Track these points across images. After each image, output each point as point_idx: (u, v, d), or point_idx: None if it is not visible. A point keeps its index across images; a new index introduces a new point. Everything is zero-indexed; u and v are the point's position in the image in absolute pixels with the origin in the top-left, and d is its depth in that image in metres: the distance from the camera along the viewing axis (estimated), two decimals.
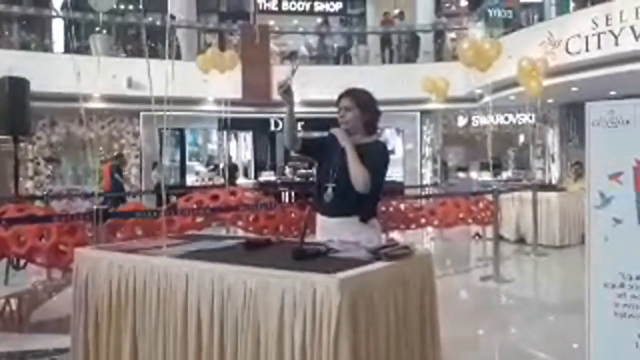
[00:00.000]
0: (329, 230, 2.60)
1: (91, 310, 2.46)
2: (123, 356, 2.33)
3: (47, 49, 12.82)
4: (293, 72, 2.58)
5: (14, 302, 5.31)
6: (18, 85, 6.84)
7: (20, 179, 9.97)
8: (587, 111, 2.10)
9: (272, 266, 1.98)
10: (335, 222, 2.61)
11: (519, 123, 13.72)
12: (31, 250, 4.24)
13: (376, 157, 2.60)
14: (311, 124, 10.54)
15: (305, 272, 1.89)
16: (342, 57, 14.64)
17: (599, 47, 8.54)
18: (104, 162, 11.96)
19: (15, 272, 5.31)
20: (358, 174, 2.51)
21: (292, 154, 3.06)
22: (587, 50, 8.75)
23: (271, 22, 14.57)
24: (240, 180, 13.76)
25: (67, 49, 12.54)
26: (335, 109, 2.73)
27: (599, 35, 8.50)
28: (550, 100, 11.95)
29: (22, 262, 4.88)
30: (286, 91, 2.56)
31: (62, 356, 3.27)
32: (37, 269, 5.18)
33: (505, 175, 13.58)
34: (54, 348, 3.55)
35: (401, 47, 14.40)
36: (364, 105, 2.67)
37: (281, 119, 13.75)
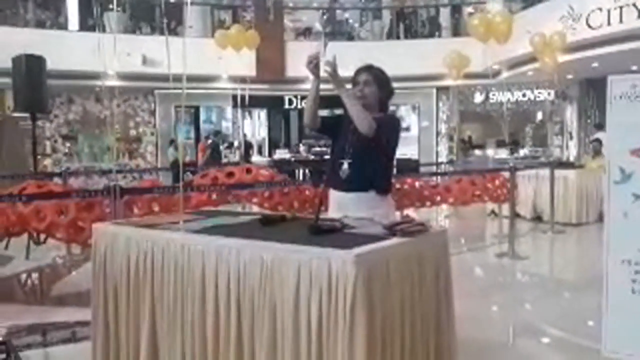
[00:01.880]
0: (345, 205, 2.60)
1: (110, 285, 2.50)
2: (142, 329, 2.37)
3: (62, 26, 12.85)
4: (324, 46, 2.56)
5: (35, 276, 5.44)
6: (35, 62, 6.87)
7: (39, 156, 10.11)
8: (609, 85, 2.05)
9: (288, 241, 1.99)
10: (352, 197, 2.61)
11: (537, 99, 13.50)
12: (51, 226, 4.33)
13: (389, 129, 2.59)
14: (324, 100, 10.48)
15: (321, 247, 1.89)
16: (357, 32, 14.47)
17: (621, 20, 8.32)
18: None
19: (36, 247, 5.41)
20: (360, 116, 2.49)
21: (308, 131, 3.07)
22: (608, 24, 8.53)
23: None
24: (255, 158, 13.82)
25: (82, 27, 12.59)
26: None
27: (621, 8, 8.27)
28: (569, 76, 11.73)
29: (42, 237, 4.97)
30: (316, 66, 2.54)
31: (82, 328, 3.35)
32: (57, 244, 5.28)
33: (522, 152, 13.44)
34: (75, 321, 3.64)
35: (417, 22, 14.17)
36: (381, 82, 2.70)
37: (295, 96, 13.71)
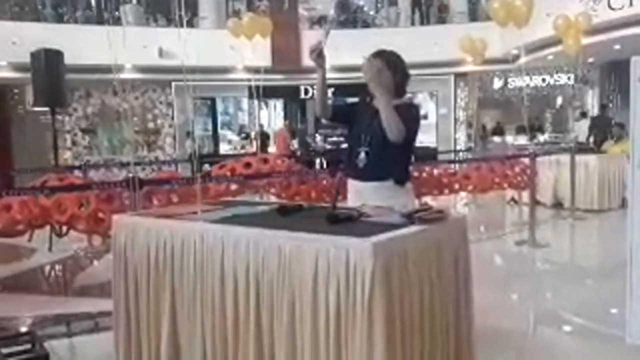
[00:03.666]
0: (363, 194, 2.58)
1: (131, 275, 2.53)
2: (162, 318, 2.40)
3: (79, 21, 12.96)
4: (326, 34, 2.51)
5: (58, 268, 5.54)
6: (54, 57, 6.93)
7: (59, 150, 10.25)
8: (632, 66, 2.00)
9: (306, 230, 1.99)
10: (370, 186, 2.59)
11: (557, 84, 13.27)
12: (72, 218, 4.40)
13: (408, 117, 2.54)
14: (341, 89, 10.40)
15: (338, 236, 1.89)
16: (373, 19, 14.36)
17: None
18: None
19: (58, 239, 5.50)
20: (392, 122, 2.45)
21: (323, 121, 3.03)
22: (631, 4, 8.32)
23: None
24: (271, 149, 13.83)
25: (99, 21, 12.67)
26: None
27: None
28: (590, 60, 11.49)
29: (64, 229, 5.05)
30: (319, 55, 2.51)
31: (105, 319, 3.40)
32: (79, 235, 5.36)
33: (542, 138, 13.24)
34: (98, 311, 3.70)
35: (433, 8, 13.99)
36: (394, 66, 2.61)
37: (311, 85, 13.67)
